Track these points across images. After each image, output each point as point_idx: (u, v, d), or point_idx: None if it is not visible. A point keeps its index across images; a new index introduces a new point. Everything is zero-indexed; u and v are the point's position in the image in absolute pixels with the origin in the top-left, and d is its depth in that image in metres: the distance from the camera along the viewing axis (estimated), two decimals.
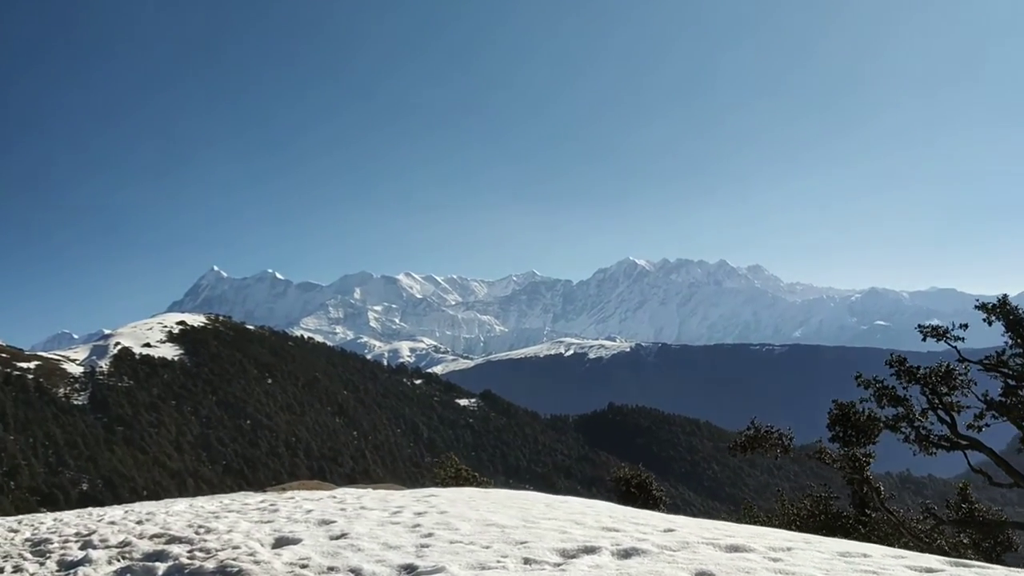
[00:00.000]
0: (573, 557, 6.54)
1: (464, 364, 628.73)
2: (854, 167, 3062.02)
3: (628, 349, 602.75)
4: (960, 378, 18.61)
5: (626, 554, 6.54)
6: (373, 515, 10.36)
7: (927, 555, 6.96)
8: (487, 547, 7.13)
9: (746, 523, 23.17)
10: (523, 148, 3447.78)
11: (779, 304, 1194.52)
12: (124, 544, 9.53)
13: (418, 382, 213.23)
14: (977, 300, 19.26)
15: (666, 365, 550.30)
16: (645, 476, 29.34)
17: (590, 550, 6.71)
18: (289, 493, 17.51)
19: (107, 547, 9.48)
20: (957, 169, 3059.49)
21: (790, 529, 20.91)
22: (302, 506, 12.14)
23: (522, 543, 7.18)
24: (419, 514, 10.20)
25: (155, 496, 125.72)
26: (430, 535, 8.12)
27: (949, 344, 18.82)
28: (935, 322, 18.89)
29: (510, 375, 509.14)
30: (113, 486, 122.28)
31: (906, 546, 18.84)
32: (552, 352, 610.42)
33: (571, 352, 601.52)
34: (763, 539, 7.27)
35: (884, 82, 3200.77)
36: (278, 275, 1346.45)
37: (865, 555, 6.48)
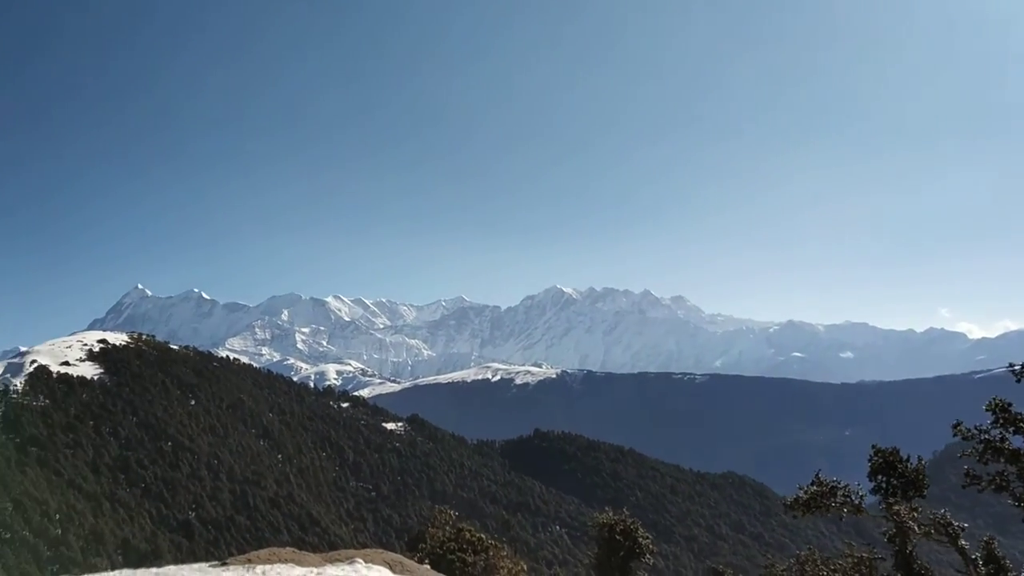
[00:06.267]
0: None
1: (391, 388, 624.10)
2: (772, 197, 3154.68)
3: (554, 376, 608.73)
4: None
5: None
6: None
7: None
8: None
9: None
10: (454, 173, 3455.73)
11: (701, 335, 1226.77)
12: None
13: (345, 405, 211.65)
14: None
15: (591, 392, 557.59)
16: (631, 522, 27.07)
17: None
18: (261, 571, 13.07)
19: None
20: (871, 208, 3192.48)
21: None
22: None
23: None
24: None
25: (69, 521, 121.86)
26: None
27: None
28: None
29: (437, 399, 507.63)
30: (24, 509, 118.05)
31: None
32: (479, 377, 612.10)
33: (498, 377, 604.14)
34: None
35: (809, 108, 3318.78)
36: (204, 295, 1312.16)
37: None
